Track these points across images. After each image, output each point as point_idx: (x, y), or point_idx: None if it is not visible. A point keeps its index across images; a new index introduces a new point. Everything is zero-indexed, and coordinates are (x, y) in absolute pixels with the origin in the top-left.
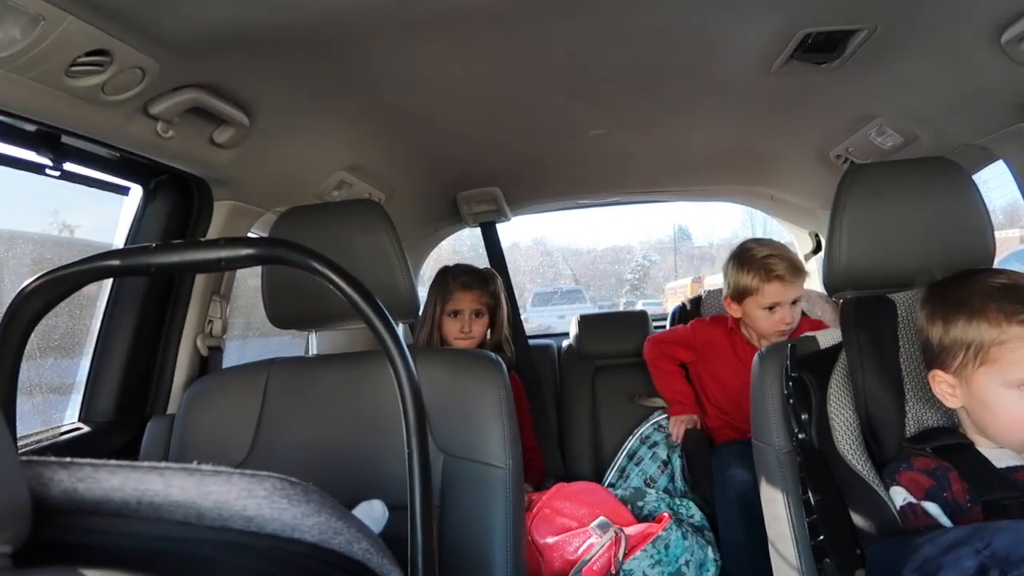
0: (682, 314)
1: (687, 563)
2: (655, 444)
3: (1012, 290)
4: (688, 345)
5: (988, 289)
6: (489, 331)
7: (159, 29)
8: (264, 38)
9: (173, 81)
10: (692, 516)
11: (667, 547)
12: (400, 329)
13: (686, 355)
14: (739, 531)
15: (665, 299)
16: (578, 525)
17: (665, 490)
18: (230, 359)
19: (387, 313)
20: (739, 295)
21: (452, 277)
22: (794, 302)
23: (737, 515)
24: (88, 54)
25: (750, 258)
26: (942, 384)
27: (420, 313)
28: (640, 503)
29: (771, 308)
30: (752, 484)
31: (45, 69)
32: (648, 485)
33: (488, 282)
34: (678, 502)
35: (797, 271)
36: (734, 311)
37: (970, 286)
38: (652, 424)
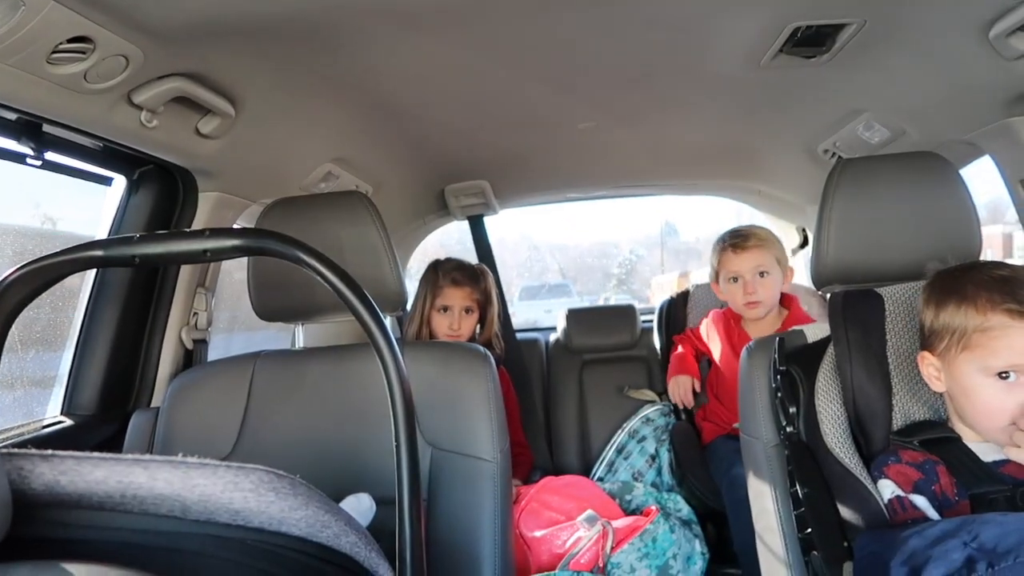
0: (670, 308)
1: (674, 556)
2: (643, 438)
3: (1007, 282)
4: (698, 335)
5: (985, 279)
6: (479, 327)
7: (143, 16)
8: (250, 27)
9: (157, 70)
10: (680, 510)
11: (655, 540)
12: (388, 322)
13: (701, 345)
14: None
15: (652, 293)
16: (566, 519)
17: (653, 484)
18: (216, 353)
19: (375, 305)
20: (715, 276)
21: (443, 273)
22: (763, 275)
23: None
24: (70, 41)
25: (718, 239)
26: (930, 367)
27: (408, 306)
28: (628, 497)
29: (736, 280)
30: None
31: (26, 56)
32: (636, 479)
33: (479, 279)
34: (666, 496)
35: (752, 239)
36: (719, 293)
37: (970, 274)
38: (640, 418)
